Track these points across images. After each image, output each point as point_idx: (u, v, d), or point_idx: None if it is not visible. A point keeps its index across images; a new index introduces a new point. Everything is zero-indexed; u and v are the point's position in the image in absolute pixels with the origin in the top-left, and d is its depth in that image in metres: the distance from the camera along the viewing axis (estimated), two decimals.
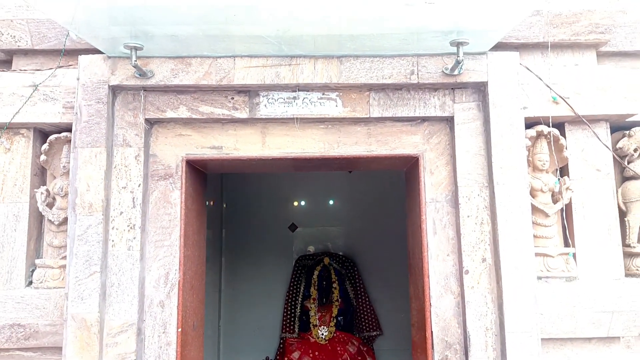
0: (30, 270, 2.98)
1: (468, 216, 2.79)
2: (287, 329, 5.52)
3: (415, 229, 3.05)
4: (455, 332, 2.78)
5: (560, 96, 2.91)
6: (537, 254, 2.88)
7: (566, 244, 2.99)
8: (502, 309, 2.66)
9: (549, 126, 2.93)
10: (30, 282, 2.95)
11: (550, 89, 2.91)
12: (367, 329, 5.60)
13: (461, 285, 2.79)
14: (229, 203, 5.99)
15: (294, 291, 5.66)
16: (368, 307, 5.67)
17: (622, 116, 2.98)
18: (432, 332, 2.78)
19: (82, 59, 2.80)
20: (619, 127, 3.11)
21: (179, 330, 2.79)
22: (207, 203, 4.92)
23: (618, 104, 2.92)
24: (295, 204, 6.14)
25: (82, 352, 2.63)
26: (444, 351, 2.77)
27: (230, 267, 5.85)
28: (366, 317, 5.64)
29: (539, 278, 2.87)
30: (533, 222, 2.88)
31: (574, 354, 2.89)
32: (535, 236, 2.90)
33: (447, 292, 2.81)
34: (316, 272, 5.66)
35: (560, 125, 3.04)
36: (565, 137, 3.02)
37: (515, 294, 2.66)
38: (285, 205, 6.10)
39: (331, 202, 6.17)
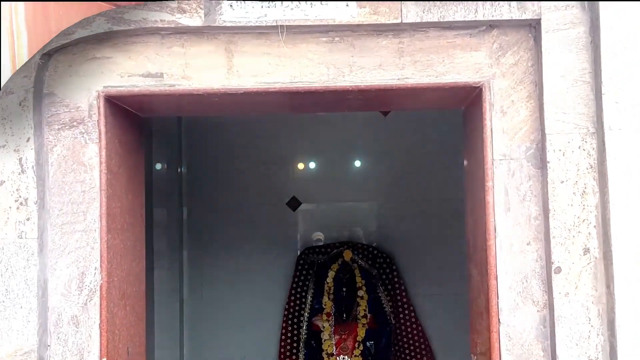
0: None
1: (562, 182, 2.78)
2: None
3: (477, 202, 3.06)
4: None
5: None
6: None
7: None
8: (614, 328, 2.65)
9: None
10: None
11: None
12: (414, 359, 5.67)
13: (549, 290, 2.80)
14: (191, 167, 6.05)
15: (298, 302, 5.73)
16: (414, 325, 5.74)
17: None
18: None
19: None
20: None
21: None
22: (154, 166, 4.97)
23: None
24: (301, 167, 6.19)
25: None
26: None
27: (196, 264, 5.95)
28: (411, 341, 5.70)
29: None
30: None
31: None
32: None
33: (527, 301, 2.83)
34: (332, 273, 5.69)
35: None
36: None
37: (636, 304, 2.64)
38: (283, 170, 6.14)
39: (357, 163, 6.20)
